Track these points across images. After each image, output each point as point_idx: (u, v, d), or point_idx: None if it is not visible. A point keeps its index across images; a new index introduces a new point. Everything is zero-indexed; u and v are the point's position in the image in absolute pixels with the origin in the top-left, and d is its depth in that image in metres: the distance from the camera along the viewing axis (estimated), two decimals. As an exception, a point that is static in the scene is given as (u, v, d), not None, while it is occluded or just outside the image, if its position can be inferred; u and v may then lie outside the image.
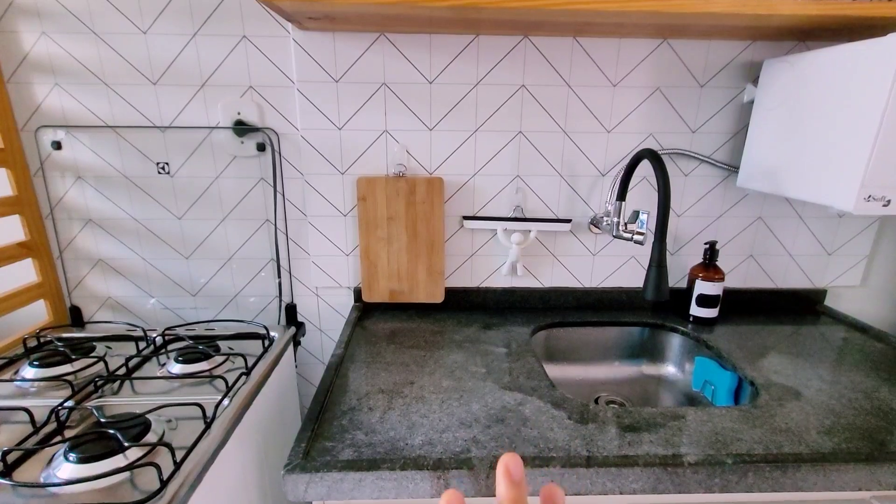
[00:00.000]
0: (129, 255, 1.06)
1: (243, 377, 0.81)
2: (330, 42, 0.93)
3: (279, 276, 1.09)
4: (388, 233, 1.03)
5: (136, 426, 0.66)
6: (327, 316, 1.13)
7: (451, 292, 1.09)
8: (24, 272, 1.01)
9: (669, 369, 1.05)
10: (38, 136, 0.97)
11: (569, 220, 1.04)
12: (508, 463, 0.28)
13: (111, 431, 0.62)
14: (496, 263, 1.09)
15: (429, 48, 0.94)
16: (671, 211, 1.06)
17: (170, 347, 0.93)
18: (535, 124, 0.99)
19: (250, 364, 0.86)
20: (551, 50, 0.95)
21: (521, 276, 1.10)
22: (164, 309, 1.10)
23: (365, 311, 1.08)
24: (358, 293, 1.10)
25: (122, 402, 0.76)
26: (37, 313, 1.04)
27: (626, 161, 1.02)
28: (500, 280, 1.11)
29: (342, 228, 1.05)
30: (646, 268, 0.99)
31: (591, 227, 1.06)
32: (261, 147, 0.99)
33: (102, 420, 0.68)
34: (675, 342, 1.04)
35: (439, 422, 0.67)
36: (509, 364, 0.84)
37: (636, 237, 0.92)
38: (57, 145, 0.96)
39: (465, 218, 1.05)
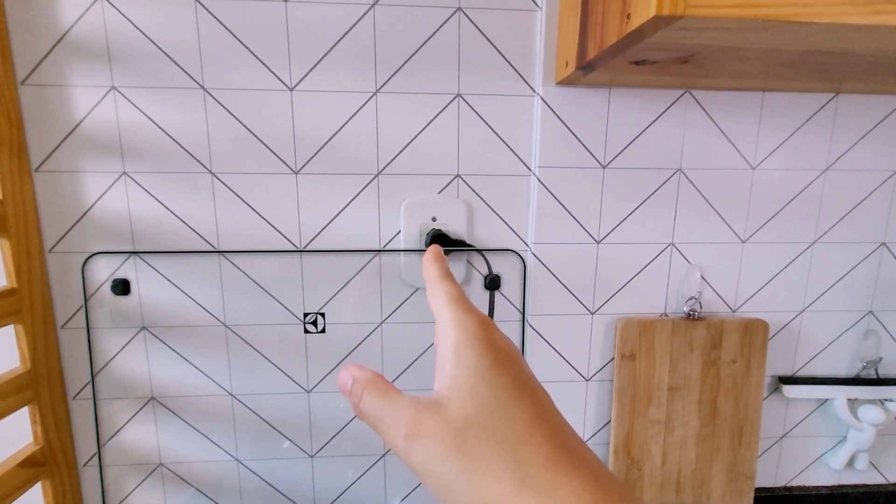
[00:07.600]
0: (217, 455, 0.61)
1: None
2: (602, 104, 0.55)
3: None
4: (667, 412, 0.60)
5: None
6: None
7: (746, 500, 0.65)
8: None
9: None
10: (90, 267, 0.55)
11: (953, 383, 0.64)
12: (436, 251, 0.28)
13: None
14: (817, 448, 0.67)
15: (758, 114, 0.57)
16: None
17: None
18: (907, 231, 0.62)
19: None
20: (946, 116, 0.59)
21: (861, 471, 0.67)
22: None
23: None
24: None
25: None
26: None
27: None
28: (821, 475, 0.68)
29: (581, 403, 0.63)
30: None
31: (978, 389, 0.66)
32: (493, 284, 0.58)
33: None
34: None
35: None
36: None
37: None
38: (121, 288, 0.53)
39: (784, 381, 0.63)
